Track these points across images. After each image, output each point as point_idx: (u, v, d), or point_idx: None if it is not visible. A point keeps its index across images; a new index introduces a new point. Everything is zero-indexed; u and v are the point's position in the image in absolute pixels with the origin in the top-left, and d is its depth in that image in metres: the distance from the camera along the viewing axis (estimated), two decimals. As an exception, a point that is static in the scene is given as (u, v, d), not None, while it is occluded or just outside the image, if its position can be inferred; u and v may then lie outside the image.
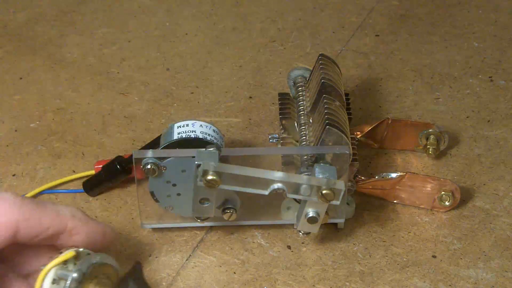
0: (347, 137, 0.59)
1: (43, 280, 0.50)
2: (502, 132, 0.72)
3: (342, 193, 0.56)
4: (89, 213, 0.65)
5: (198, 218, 0.61)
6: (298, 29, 0.86)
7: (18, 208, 0.51)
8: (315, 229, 0.59)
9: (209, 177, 0.55)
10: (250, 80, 0.79)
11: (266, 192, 0.57)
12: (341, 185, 0.56)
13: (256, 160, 0.60)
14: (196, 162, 0.56)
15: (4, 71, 0.81)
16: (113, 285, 0.51)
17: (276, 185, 0.56)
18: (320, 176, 0.57)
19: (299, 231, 0.60)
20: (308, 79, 0.67)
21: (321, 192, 0.56)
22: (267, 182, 0.56)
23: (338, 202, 0.56)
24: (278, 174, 0.56)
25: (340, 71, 0.67)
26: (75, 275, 0.50)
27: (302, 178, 0.56)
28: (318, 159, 0.59)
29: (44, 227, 0.51)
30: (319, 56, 0.66)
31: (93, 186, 0.66)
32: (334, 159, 0.59)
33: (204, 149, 0.57)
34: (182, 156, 0.59)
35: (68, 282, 0.49)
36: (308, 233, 0.60)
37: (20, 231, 0.51)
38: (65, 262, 0.51)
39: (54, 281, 0.50)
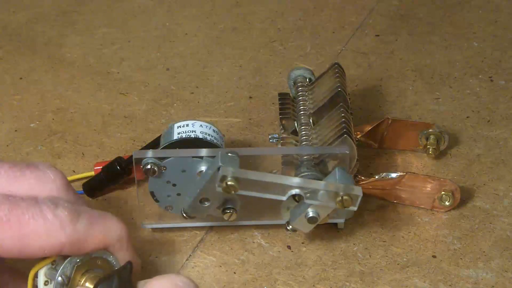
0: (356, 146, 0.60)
1: (33, 280, 0.49)
2: (502, 132, 0.72)
3: (359, 199, 0.56)
4: (89, 213, 0.65)
5: (186, 215, 0.60)
6: (298, 29, 0.86)
7: (68, 231, 0.48)
8: (308, 229, 0.59)
9: (229, 183, 0.55)
10: (250, 80, 0.79)
11: (284, 198, 0.57)
12: (358, 190, 0.56)
13: (256, 160, 0.60)
14: (220, 164, 0.56)
15: (4, 71, 0.81)
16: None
17: (294, 191, 0.57)
18: (341, 181, 0.57)
19: (287, 227, 0.60)
20: (314, 81, 0.67)
21: (341, 198, 0.56)
22: (285, 188, 0.57)
23: (355, 208, 0.57)
24: (296, 180, 0.57)
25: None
26: (59, 279, 0.49)
27: (320, 184, 0.57)
28: (323, 161, 0.59)
29: (86, 250, 0.49)
30: (334, 64, 0.67)
31: (93, 187, 0.66)
32: (334, 159, 0.59)
33: (224, 151, 0.57)
34: (182, 156, 0.59)
35: (53, 285, 0.49)
36: (295, 231, 0.60)
37: (61, 252, 0.48)
38: (53, 262, 0.50)
39: (46, 283, 0.50)
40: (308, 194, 0.57)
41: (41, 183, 0.50)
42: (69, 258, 0.50)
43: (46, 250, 0.48)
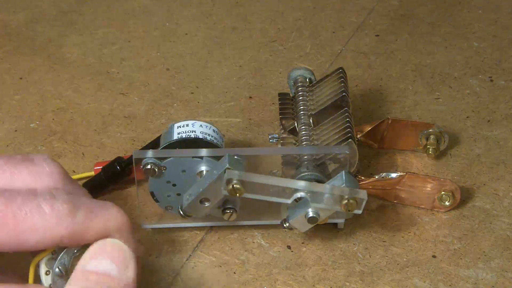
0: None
1: (34, 270, 0.49)
2: (502, 132, 0.72)
3: (364, 202, 0.56)
4: (89, 213, 0.65)
5: (184, 213, 0.60)
6: (298, 29, 0.86)
7: (67, 224, 0.47)
8: (305, 228, 0.59)
9: (235, 186, 0.55)
10: (250, 80, 0.79)
11: (289, 201, 0.57)
12: (363, 194, 0.56)
13: (256, 160, 0.60)
14: (227, 166, 0.56)
15: (4, 71, 0.81)
16: None
17: (299, 194, 0.57)
18: (347, 185, 0.57)
19: (283, 224, 0.60)
20: (316, 83, 0.67)
21: (347, 201, 0.56)
22: (290, 191, 0.57)
23: (360, 212, 0.57)
24: (301, 183, 0.57)
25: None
26: (57, 270, 0.49)
27: (325, 188, 0.57)
28: (324, 162, 0.59)
29: (86, 241, 0.48)
30: (339, 69, 0.67)
31: (93, 187, 0.66)
32: (334, 160, 0.59)
33: (232, 153, 0.57)
34: (182, 156, 0.59)
35: (51, 276, 0.49)
36: (291, 229, 0.60)
37: (60, 244, 0.48)
38: (53, 252, 0.50)
39: (47, 273, 0.50)
40: (313, 197, 0.57)
41: (37, 178, 0.49)
42: (66, 249, 0.49)
43: (44, 244, 0.47)
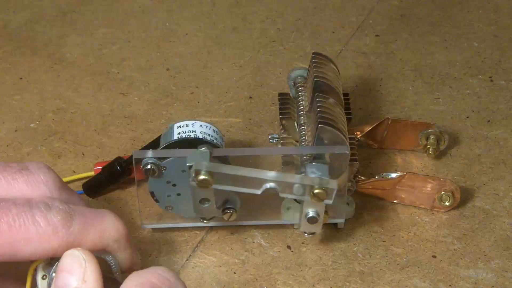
0: (344, 134, 0.59)
1: (32, 275, 0.49)
2: (502, 132, 0.72)
3: (334, 192, 0.56)
4: (89, 213, 0.65)
5: (203, 218, 0.61)
6: (298, 29, 0.86)
7: (61, 236, 0.47)
8: (317, 229, 0.59)
9: (201, 177, 0.55)
10: (250, 80, 0.79)
11: (259, 192, 0.57)
12: (333, 184, 0.56)
13: (256, 160, 0.60)
14: (187, 164, 0.56)
15: (4, 71, 0.81)
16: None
17: (269, 185, 0.56)
18: (312, 175, 0.57)
19: (304, 232, 0.60)
20: (306, 79, 0.67)
21: (313, 192, 0.56)
22: (259, 182, 0.56)
23: (330, 202, 0.56)
24: (271, 174, 0.56)
25: (336, 68, 0.66)
26: (53, 275, 0.49)
27: (295, 178, 0.56)
28: (316, 158, 0.59)
29: None
30: (312, 55, 0.66)
31: (93, 187, 0.66)
32: (333, 158, 0.59)
33: (196, 149, 0.58)
34: (182, 156, 0.59)
35: (48, 281, 0.49)
36: (313, 233, 0.60)
37: (55, 255, 0.48)
38: (52, 257, 0.50)
39: (44, 277, 0.50)
40: (282, 188, 0.56)
41: (32, 186, 0.49)
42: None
43: (38, 255, 0.47)
